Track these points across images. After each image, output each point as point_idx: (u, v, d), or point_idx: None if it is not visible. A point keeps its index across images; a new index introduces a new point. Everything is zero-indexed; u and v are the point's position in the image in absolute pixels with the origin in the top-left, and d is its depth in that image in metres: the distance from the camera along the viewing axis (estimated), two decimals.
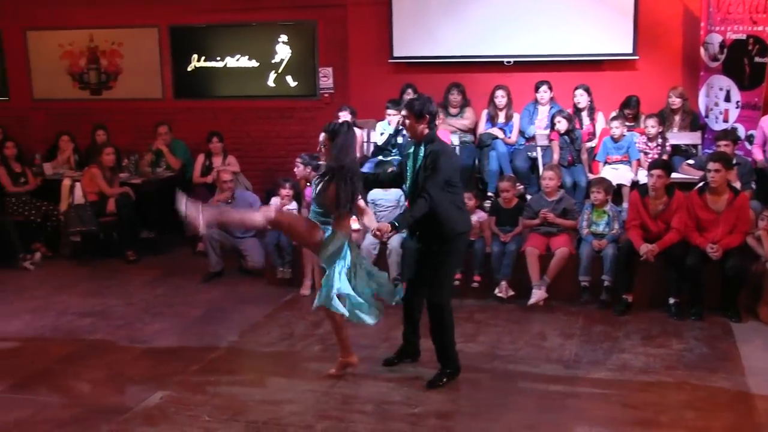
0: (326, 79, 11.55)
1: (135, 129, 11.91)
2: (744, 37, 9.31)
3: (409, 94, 9.96)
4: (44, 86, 12.67)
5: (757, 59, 9.22)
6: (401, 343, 6.54)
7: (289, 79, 11.73)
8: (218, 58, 11.95)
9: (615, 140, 9.17)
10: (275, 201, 9.03)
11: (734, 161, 8.25)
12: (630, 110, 9.63)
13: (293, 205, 8.99)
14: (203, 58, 12.01)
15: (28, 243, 10.09)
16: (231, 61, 11.90)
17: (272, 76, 11.77)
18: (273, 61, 11.73)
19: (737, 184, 8.10)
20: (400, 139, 9.47)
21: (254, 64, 11.82)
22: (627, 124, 9.40)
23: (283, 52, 11.70)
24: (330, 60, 11.52)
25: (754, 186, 8.60)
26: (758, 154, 8.84)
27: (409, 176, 6.11)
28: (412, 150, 6.12)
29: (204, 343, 7.16)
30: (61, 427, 5.54)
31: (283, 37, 11.66)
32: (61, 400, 5.99)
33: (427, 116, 6.03)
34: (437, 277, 6.10)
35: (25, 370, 6.57)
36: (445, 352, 6.18)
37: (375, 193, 8.68)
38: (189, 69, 12.08)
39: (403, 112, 6.21)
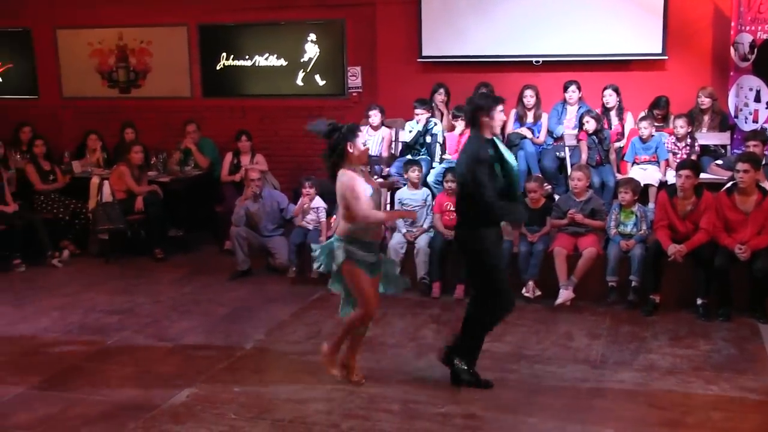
0: (355, 78, 11.58)
1: (163, 127, 11.98)
2: None
3: (440, 94, 10.02)
4: (73, 84, 12.77)
5: None
6: None
7: (317, 78, 11.77)
8: (247, 57, 12.00)
9: (643, 140, 9.14)
10: (301, 200, 9.08)
11: (764, 162, 8.21)
12: (659, 111, 9.59)
13: (318, 202, 9.03)
14: (232, 56, 12.07)
15: (57, 241, 10.19)
16: (260, 60, 11.95)
17: (301, 74, 11.81)
18: (302, 60, 11.77)
19: (766, 185, 8.04)
20: (428, 138, 9.50)
21: (283, 62, 11.86)
22: (656, 124, 9.36)
23: (311, 51, 11.74)
24: (358, 59, 11.55)
25: None
26: None
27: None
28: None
29: (231, 341, 7.21)
30: (89, 423, 5.59)
31: (312, 36, 11.69)
32: (88, 397, 6.04)
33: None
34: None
35: (54, 367, 6.64)
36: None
37: (402, 193, 8.72)
38: (218, 67, 12.14)
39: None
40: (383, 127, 9.98)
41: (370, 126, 9.89)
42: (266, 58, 11.92)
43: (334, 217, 8.91)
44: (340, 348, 6.21)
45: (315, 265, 6.21)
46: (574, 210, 8.20)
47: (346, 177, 5.81)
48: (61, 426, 5.58)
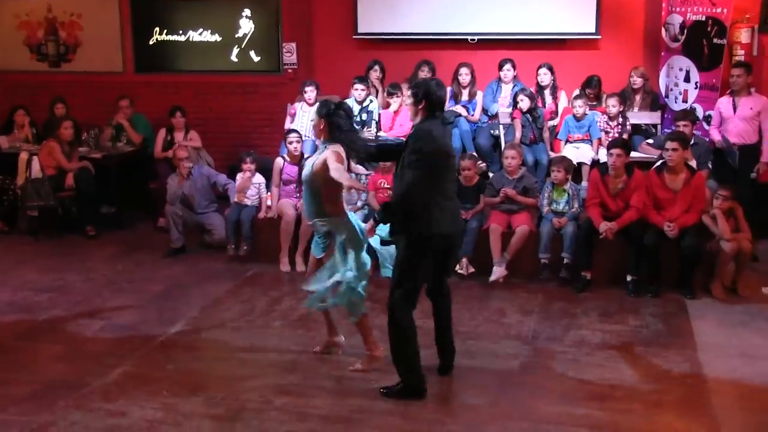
0: (290, 54, 11.51)
1: (95, 103, 11.78)
2: (703, 18, 9.42)
3: (376, 71, 10.03)
4: (0, 58, 12.49)
5: (715, 41, 9.35)
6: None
7: (252, 54, 11.69)
8: (181, 32, 11.87)
9: (577, 119, 9.25)
10: (240, 177, 9.03)
11: (692, 141, 8.37)
12: (591, 90, 9.71)
13: (258, 179, 9.00)
14: (165, 31, 11.92)
15: None
16: (194, 35, 11.83)
17: (235, 50, 11.72)
18: (236, 36, 11.68)
19: (694, 163, 8.21)
20: (364, 116, 9.49)
21: (217, 38, 11.76)
22: (589, 103, 9.47)
23: (246, 26, 11.65)
24: (294, 35, 11.48)
25: (710, 166, 8.72)
26: (716, 135, 8.96)
27: None
28: None
29: (164, 319, 7.15)
30: (19, 403, 5.52)
31: (247, 12, 11.60)
32: (18, 376, 5.96)
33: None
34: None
35: None
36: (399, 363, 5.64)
37: None
38: (151, 42, 11.98)
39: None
40: (318, 103, 9.92)
41: (306, 102, 9.86)
42: (200, 34, 11.80)
43: (270, 193, 8.91)
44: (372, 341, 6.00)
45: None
46: (506, 188, 8.29)
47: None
48: None
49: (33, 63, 12.42)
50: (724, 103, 8.96)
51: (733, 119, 8.85)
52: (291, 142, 8.85)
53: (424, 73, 9.91)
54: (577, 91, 9.80)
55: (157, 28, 11.91)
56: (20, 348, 6.54)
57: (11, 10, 12.33)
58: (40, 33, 12.33)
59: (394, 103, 9.32)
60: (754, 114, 8.79)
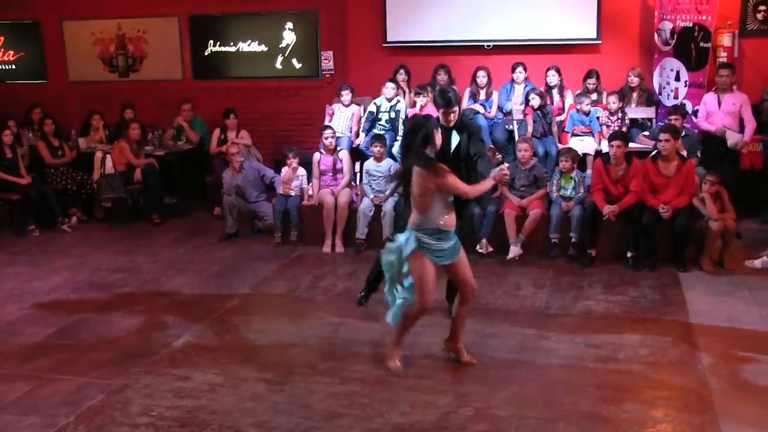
0: (327, 61, 11.49)
1: (158, 107, 11.85)
2: (691, 24, 9.35)
3: (402, 74, 9.94)
4: (78, 70, 12.57)
5: (702, 44, 9.31)
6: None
7: (294, 61, 11.66)
8: (232, 44, 11.86)
9: (585, 114, 9.14)
10: (284, 170, 9.01)
11: (683, 133, 8.28)
12: (591, 81, 9.60)
13: (300, 171, 8.98)
14: (218, 43, 11.92)
15: (66, 209, 10.08)
16: (243, 46, 11.81)
17: (279, 59, 11.69)
18: (280, 46, 11.65)
19: (684, 153, 8.12)
20: (392, 114, 9.42)
21: (264, 48, 11.74)
22: (592, 97, 9.37)
23: (289, 37, 11.62)
24: (331, 44, 11.44)
25: (699, 155, 8.62)
26: (706, 125, 8.82)
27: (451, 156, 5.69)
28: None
29: (221, 295, 7.17)
30: (99, 368, 5.56)
31: (289, 24, 11.57)
32: (97, 345, 6.02)
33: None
34: None
35: (66, 319, 6.59)
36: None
37: (368, 164, 8.66)
38: (206, 53, 11.99)
39: (452, 109, 5.66)
40: (353, 105, 9.89)
41: (342, 104, 9.81)
42: (249, 45, 11.78)
43: (311, 184, 8.89)
44: (402, 341, 5.52)
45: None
46: (518, 176, 8.21)
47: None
48: (75, 370, 5.54)
49: (105, 74, 12.47)
50: (710, 98, 8.81)
51: (717, 113, 8.70)
52: (327, 138, 8.82)
53: (441, 77, 9.84)
54: (579, 90, 9.68)
55: (212, 41, 11.92)
56: (99, 320, 6.59)
57: (88, 29, 12.39)
58: (111, 48, 12.38)
59: (420, 101, 9.24)
60: (736, 108, 8.67)
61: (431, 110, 9.17)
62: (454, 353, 5.57)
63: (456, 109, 5.72)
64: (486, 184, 5.30)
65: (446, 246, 5.14)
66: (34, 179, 9.93)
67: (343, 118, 9.68)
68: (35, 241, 9.40)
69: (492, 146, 8.85)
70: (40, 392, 5.22)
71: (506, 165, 5.65)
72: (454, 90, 6.06)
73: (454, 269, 5.32)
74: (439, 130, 5.23)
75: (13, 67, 12.85)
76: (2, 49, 12.83)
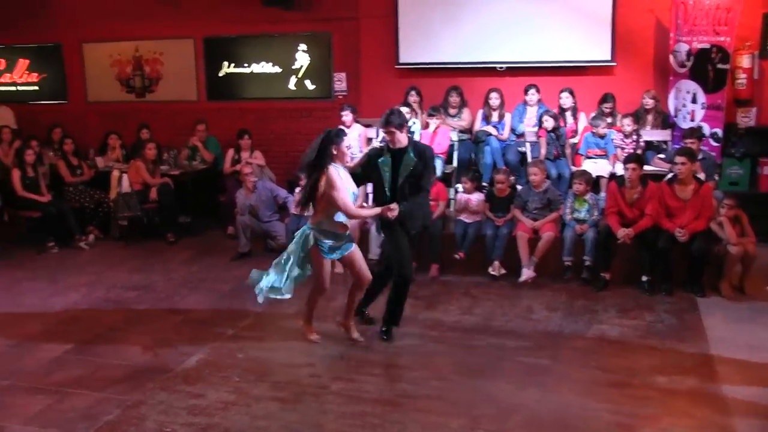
0: (340, 83, 11.56)
1: (174, 127, 11.96)
2: (708, 46, 9.31)
3: (413, 96, 9.96)
4: (97, 91, 12.76)
5: (719, 66, 9.26)
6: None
7: (307, 83, 11.75)
8: (246, 65, 11.98)
9: (600, 136, 9.13)
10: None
11: (700, 156, 8.23)
12: (607, 105, 9.60)
13: None
14: (233, 64, 12.04)
15: (84, 226, 10.17)
16: (257, 67, 11.93)
17: (293, 80, 11.79)
18: (294, 67, 11.76)
19: (702, 176, 8.06)
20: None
21: (277, 69, 11.84)
22: (607, 120, 9.37)
23: (302, 59, 11.72)
24: (344, 66, 11.52)
25: (716, 178, 8.56)
26: None
27: (389, 179, 6.11)
28: (388, 157, 6.12)
29: (234, 313, 7.18)
30: (115, 383, 5.59)
31: (303, 46, 11.68)
32: (114, 361, 6.04)
33: (405, 125, 6.19)
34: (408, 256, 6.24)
35: (83, 335, 6.62)
36: (400, 314, 6.44)
37: None
38: (220, 74, 12.11)
39: (389, 129, 6.09)
40: (356, 125, 9.87)
41: (344, 125, 9.80)
42: (262, 66, 11.89)
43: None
44: (312, 317, 6.45)
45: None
46: (531, 199, 8.20)
47: (330, 174, 5.80)
48: (91, 385, 5.58)
49: (122, 94, 12.63)
50: None
51: None
52: None
53: (453, 98, 9.89)
54: (594, 113, 9.68)
55: (226, 62, 12.04)
56: (115, 337, 6.62)
57: (106, 51, 12.58)
58: (128, 69, 12.54)
59: (433, 123, 9.25)
60: None
61: (445, 131, 9.22)
62: (345, 329, 6.44)
63: (393, 130, 6.07)
64: (370, 212, 6.20)
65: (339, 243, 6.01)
66: (53, 197, 10.06)
67: (350, 139, 9.68)
68: (54, 257, 9.48)
69: (506, 169, 8.90)
70: (59, 406, 5.26)
71: (395, 207, 5.98)
72: (399, 111, 6.22)
73: (346, 261, 6.18)
74: (341, 141, 5.89)
75: (36, 88, 13.07)
76: (26, 72, 13.06)
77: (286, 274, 6.05)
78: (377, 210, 6.03)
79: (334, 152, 5.85)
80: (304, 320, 6.45)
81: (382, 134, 6.43)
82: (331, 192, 5.78)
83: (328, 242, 5.95)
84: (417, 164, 6.08)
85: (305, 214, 8.77)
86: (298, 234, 6.12)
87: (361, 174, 6.26)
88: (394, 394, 5.38)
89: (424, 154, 6.16)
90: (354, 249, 6.13)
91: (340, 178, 5.83)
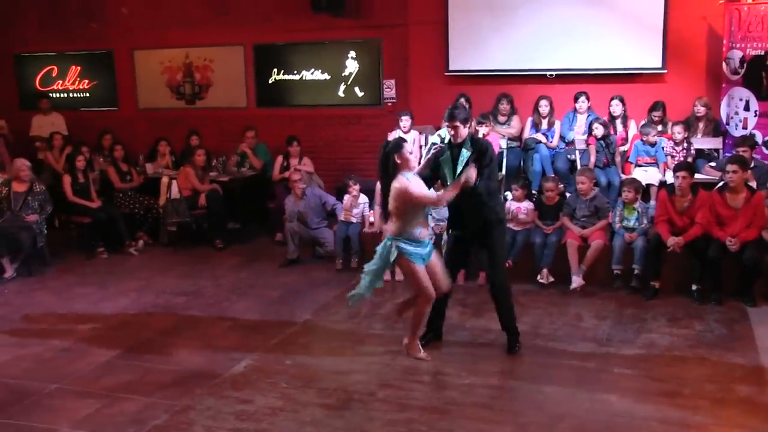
0: (389, 90, 11.61)
1: (223, 133, 12.11)
2: (762, 53, 9.15)
3: (463, 102, 9.98)
4: (147, 97, 12.97)
5: None
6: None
7: (357, 89, 11.82)
8: (295, 72, 12.09)
9: (651, 144, 9.07)
10: (346, 197, 9.12)
11: (752, 164, 8.13)
12: (657, 113, 9.52)
13: (362, 199, 9.07)
14: (282, 71, 12.16)
15: (133, 232, 10.34)
16: (306, 75, 12.04)
17: (342, 87, 11.87)
18: (343, 74, 11.83)
19: (753, 184, 7.97)
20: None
21: (326, 76, 11.93)
22: (658, 128, 9.30)
23: (352, 66, 11.80)
24: (393, 73, 11.57)
25: None
26: None
27: (450, 173, 6.11)
28: (447, 154, 6.13)
29: (282, 319, 7.26)
30: (163, 388, 5.69)
31: (352, 53, 11.75)
32: (162, 366, 6.15)
33: (469, 119, 6.24)
34: (495, 258, 6.25)
35: (132, 340, 6.76)
36: (513, 323, 6.35)
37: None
38: (270, 81, 12.24)
39: (453, 123, 6.08)
40: (412, 131, 9.96)
41: (402, 130, 9.89)
42: (312, 73, 11.99)
43: (373, 211, 8.95)
44: (419, 334, 6.24)
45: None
46: (579, 207, 8.17)
47: (398, 182, 5.80)
48: (140, 390, 5.68)
49: (173, 101, 12.82)
50: None
51: None
52: None
53: (503, 105, 9.90)
54: (644, 121, 9.61)
55: (275, 69, 12.17)
56: (164, 342, 6.73)
57: (157, 58, 12.79)
58: (179, 76, 12.73)
59: (482, 130, 9.27)
60: None
61: (494, 138, 9.23)
62: (408, 351, 6.23)
63: (458, 124, 6.06)
64: (450, 192, 5.93)
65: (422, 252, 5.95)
66: (103, 203, 10.24)
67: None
68: (104, 263, 9.67)
69: (555, 177, 8.88)
70: (108, 410, 5.37)
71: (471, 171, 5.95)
72: (463, 106, 6.24)
73: (430, 268, 6.05)
74: (402, 150, 5.85)
75: (87, 95, 13.34)
76: (78, 79, 13.32)
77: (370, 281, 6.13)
78: (455, 185, 5.93)
79: (398, 161, 5.84)
80: (409, 337, 6.25)
81: (430, 140, 6.51)
82: (407, 196, 5.77)
83: (412, 249, 5.89)
84: (471, 155, 6.06)
85: (351, 221, 8.90)
86: (379, 248, 6.08)
87: (430, 175, 6.23)
88: (442, 401, 5.41)
89: (478, 143, 6.15)
90: (436, 255, 6.14)
91: (410, 182, 5.82)
